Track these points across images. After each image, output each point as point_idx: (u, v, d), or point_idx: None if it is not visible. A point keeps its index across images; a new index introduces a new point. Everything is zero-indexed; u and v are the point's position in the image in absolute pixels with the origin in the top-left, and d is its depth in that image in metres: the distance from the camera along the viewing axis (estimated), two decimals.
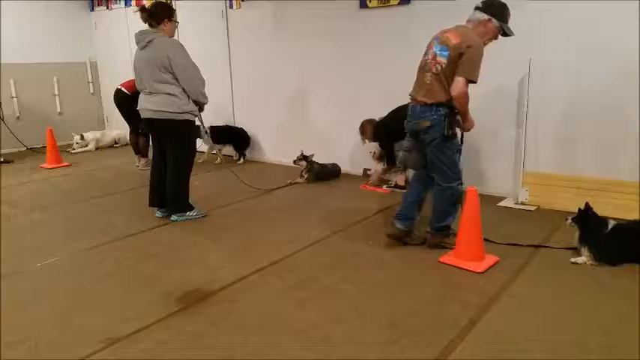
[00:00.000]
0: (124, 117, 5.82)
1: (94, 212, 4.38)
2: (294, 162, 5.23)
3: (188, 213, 4.08)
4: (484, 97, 4.37)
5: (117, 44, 7.65)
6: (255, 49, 6.03)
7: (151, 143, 5.64)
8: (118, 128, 7.81)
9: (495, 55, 4.24)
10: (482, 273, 2.91)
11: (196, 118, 4.00)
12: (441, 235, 3.27)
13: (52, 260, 3.28)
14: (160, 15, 3.73)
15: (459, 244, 3.07)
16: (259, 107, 6.26)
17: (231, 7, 6.05)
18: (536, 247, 3.28)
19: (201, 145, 5.51)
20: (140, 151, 5.99)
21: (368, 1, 4.92)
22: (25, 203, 4.64)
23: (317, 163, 5.22)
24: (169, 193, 4.00)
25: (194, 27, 6.19)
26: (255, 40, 6.00)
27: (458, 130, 3.17)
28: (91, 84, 8.13)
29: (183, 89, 3.77)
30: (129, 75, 7.35)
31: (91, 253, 3.42)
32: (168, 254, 3.38)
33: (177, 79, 3.72)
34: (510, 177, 4.40)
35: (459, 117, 3.05)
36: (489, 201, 4.17)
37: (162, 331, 2.38)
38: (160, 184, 4.04)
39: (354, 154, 5.44)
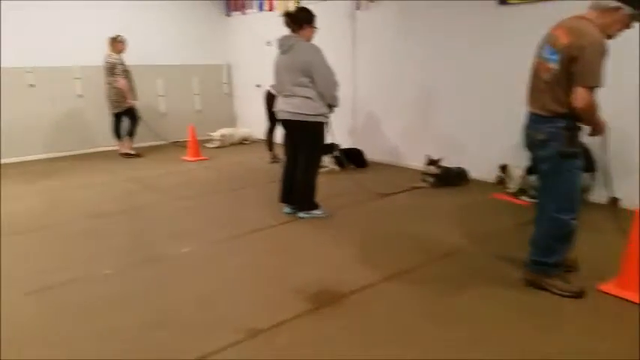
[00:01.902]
0: (268, 115, 6.14)
1: (230, 204, 4.71)
2: (427, 165, 5.06)
3: (314, 211, 4.19)
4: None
5: (249, 47, 8.15)
6: (382, 48, 5.99)
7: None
8: (248, 127, 8.35)
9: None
10: None
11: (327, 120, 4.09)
12: (539, 273, 2.75)
13: (190, 249, 3.56)
14: (301, 20, 3.88)
15: (624, 271, 2.67)
16: (383, 108, 6.21)
17: (358, 8, 6.08)
18: None
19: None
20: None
21: None
22: (172, 192, 5.14)
23: (442, 166, 5.02)
24: (298, 190, 4.15)
25: (320, 28, 6.32)
26: (382, 39, 5.96)
27: (598, 140, 2.74)
28: (225, 84, 8.79)
29: (319, 92, 3.87)
30: (259, 76, 7.87)
31: (227, 243, 3.67)
32: (296, 250, 3.50)
33: (314, 83, 3.83)
34: None
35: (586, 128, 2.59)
36: None
37: (295, 330, 2.44)
38: (290, 182, 4.20)
39: (485, 159, 5.13)
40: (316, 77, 3.82)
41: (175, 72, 8.10)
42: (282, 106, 4.04)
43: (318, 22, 3.98)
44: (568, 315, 2.53)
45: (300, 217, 4.18)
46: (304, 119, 3.92)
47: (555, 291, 2.70)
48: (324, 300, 2.74)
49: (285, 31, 3.97)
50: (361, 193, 4.81)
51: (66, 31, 6.93)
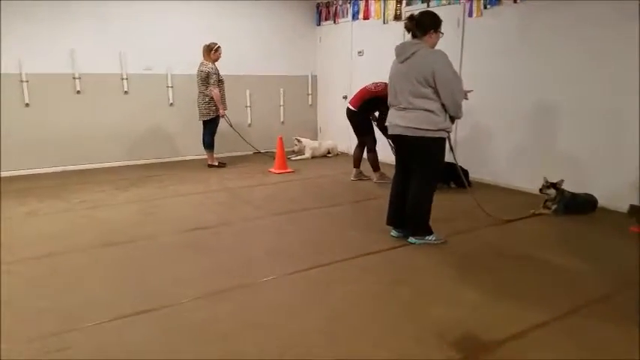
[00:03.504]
0: (354, 131, 5.88)
1: (327, 222, 4.38)
2: (541, 190, 4.52)
3: (427, 237, 3.78)
4: None
5: (337, 57, 7.94)
6: (492, 58, 5.51)
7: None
8: (330, 139, 8.11)
9: None
10: None
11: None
12: None
13: (295, 271, 3.28)
14: (427, 25, 3.53)
15: None
16: (489, 123, 5.72)
17: (470, 15, 5.65)
18: None
19: None
20: (371, 166, 5.92)
21: None
22: (265, 206, 4.91)
23: (567, 191, 4.46)
24: (410, 213, 3.76)
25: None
26: (493, 48, 5.49)
27: None
28: (310, 96, 8.61)
29: (442, 104, 3.50)
30: (346, 87, 7.64)
31: (334, 267, 3.34)
32: (417, 282, 3.11)
33: (437, 94, 3.46)
34: None
35: None
36: None
37: None
38: (399, 203, 3.82)
39: (613, 185, 4.52)
40: (440, 86, 3.43)
41: (262, 83, 8.02)
42: (396, 120, 3.68)
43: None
44: None
45: (411, 242, 3.79)
46: (422, 135, 3.54)
47: None
48: (475, 347, 2.34)
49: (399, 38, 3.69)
50: (476, 218, 4.34)
51: (160, 39, 7.02)
